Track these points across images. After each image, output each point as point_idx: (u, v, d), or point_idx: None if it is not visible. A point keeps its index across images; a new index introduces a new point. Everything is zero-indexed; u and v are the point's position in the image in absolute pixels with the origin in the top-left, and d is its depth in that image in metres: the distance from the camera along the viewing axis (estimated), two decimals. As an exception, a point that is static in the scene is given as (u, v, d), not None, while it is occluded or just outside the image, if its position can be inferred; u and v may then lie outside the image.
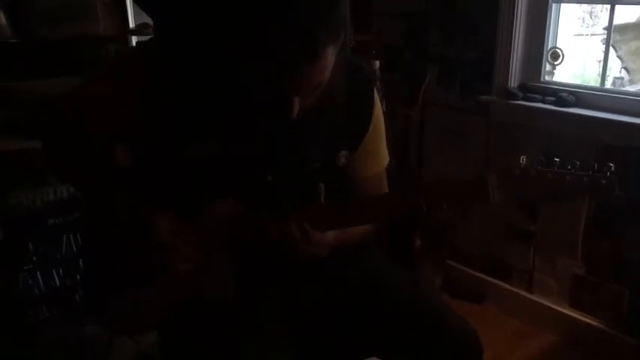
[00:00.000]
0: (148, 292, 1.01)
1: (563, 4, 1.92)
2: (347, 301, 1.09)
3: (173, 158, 0.97)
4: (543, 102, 1.90)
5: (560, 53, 1.93)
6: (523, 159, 0.87)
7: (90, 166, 1.03)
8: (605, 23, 1.85)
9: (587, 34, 2.13)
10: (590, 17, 2.41)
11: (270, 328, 1.01)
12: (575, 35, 2.01)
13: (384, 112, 2.06)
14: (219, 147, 0.96)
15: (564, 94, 1.87)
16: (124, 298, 1.01)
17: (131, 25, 2.42)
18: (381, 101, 2.08)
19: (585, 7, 2.31)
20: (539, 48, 1.95)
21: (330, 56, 0.84)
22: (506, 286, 2.16)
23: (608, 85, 1.90)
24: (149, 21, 2.27)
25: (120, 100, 0.95)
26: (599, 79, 1.88)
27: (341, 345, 1.11)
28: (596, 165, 0.82)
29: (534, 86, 1.96)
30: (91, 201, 1.06)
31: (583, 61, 2.11)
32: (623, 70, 2.45)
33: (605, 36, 1.91)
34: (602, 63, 1.86)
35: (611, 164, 0.82)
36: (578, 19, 2.08)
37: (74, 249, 1.93)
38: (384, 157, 1.14)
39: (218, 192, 0.98)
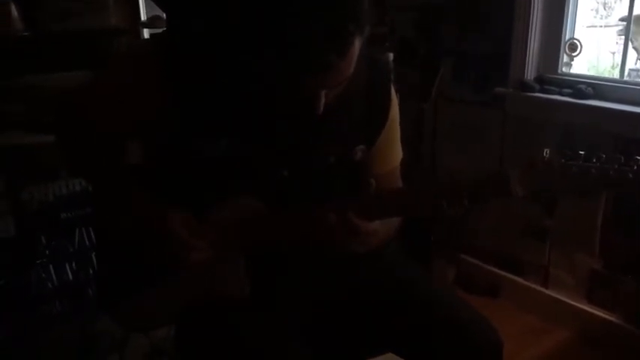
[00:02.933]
0: (162, 289, 1.01)
1: (580, -5, 1.89)
2: (364, 296, 1.08)
3: (188, 154, 0.96)
4: (560, 94, 1.87)
5: (578, 44, 1.89)
6: (547, 152, 0.85)
7: (103, 162, 1.02)
8: (620, 14, 1.82)
9: (601, 26, 2.09)
10: (604, 8, 2.36)
11: (287, 324, 1.00)
12: (587, 27, 1.97)
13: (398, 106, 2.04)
14: (236, 143, 0.95)
15: (582, 86, 1.83)
16: (138, 294, 1.01)
17: (143, 17, 2.41)
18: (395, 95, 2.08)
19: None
20: (556, 39, 1.91)
21: (357, 48, 0.83)
22: (521, 281, 2.14)
23: (623, 76, 1.86)
24: (161, 13, 2.26)
25: (133, 95, 0.94)
26: (613, 71, 1.85)
27: (357, 340, 1.10)
28: (622, 158, 0.80)
29: (551, 78, 1.93)
30: (104, 197, 1.05)
31: (597, 53, 2.07)
32: (639, 61, 2.41)
33: (619, 27, 1.88)
34: (616, 55, 1.83)
35: (639, 157, 0.79)
36: (592, 10, 2.04)
37: (87, 243, 1.93)
38: (399, 153, 1.13)
39: (233, 188, 0.97)
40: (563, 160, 0.83)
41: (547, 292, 2.07)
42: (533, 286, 2.10)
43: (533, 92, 1.91)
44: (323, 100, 0.86)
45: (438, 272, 2.27)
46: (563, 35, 1.90)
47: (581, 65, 1.95)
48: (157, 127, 0.96)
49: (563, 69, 1.94)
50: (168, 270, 0.99)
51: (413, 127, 2.28)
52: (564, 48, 1.91)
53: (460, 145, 2.20)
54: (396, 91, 2.05)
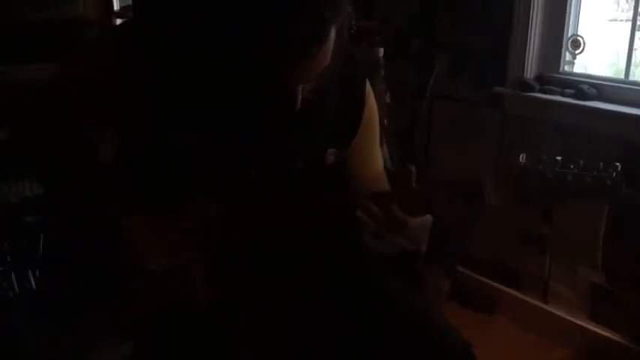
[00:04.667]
0: (119, 299, 1.02)
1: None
2: (337, 307, 1.10)
3: (148, 151, 0.98)
4: (562, 95, 1.89)
5: (582, 41, 1.92)
6: (523, 157, 0.87)
7: (60, 157, 1.04)
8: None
9: (622, 20, 2.11)
10: (627, 1, 2.38)
11: (256, 340, 1.02)
12: (609, 20, 1.99)
13: (388, 104, 2.06)
14: (203, 139, 0.97)
15: (585, 87, 1.86)
16: (94, 305, 1.02)
17: (116, 7, 2.44)
18: (385, 92, 2.10)
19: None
20: (558, 36, 1.94)
21: (333, 37, 0.85)
22: (519, 295, 2.16)
23: (636, 76, 1.88)
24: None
25: (98, 88, 0.96)
26: (636, 70, 1.86)
27: (332, 356, 1.12)
28: (601, 164, 0.83)
29: (552, 77, 1.96)
30: (57, 195, 1.07)
31: (617, 49, 2.09)
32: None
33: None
34: (628, 52, 1.85)
35: (618, 164, 0.82)
36: (614, 2, 2.06)
37: (52, 248, 1.95)
38: (378, 157, 1.15)
39: (195, 188, 0.99)
40: (539, 167, 0.86)
41: (546, 307, 2.09)
42: (532, 300, 2.12)
43: (533, 92, 1.93)
44: (300, 96, 0.88)
45: (432, 283, 2.29)
46: (565, 31, 1.93)
47: (594, 62, 1.97)
48: (121, 122, 0.99)
49: (566, 67, 1.97)
50: (124, 278, 1.01)
51: (406, 127, 2.30)
52: (567, 45, 1.94)
53: (456, 146, 2.23)
54: (386, 89, 2.09)
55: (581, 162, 0.84)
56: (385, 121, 2.03)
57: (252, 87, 0.88)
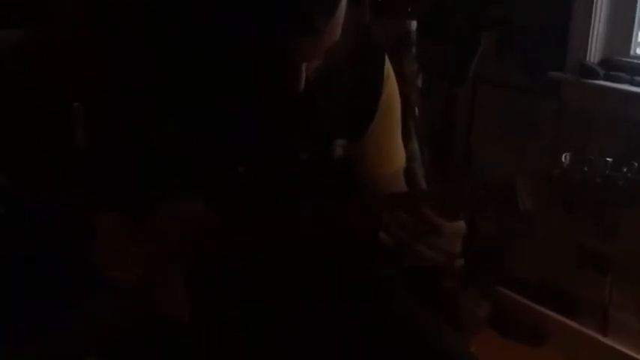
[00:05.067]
0: (88, 310, 1.05)
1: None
2: (337, 330, 1.11)
3: (123, 141, 1.01)
4: (631, 83, 1.88)
5: (658, 19, 1.90)
6: (566, 157, 0.88)
7: (20, 141, 1.07)
8: None
9: None
10: None
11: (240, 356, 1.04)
12: None
13: (421, 89, 2.07)
14: (183, 128, 0.99)
15: (660, 74, 1.85)
16: (58, 316, 1.05)
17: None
18: (417, 75, 2.10)
19: None
20: (628, 13, 1.92)
21: (344, 6, 0.87)
22: (573, 324, 2.15)
23: None
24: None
25: (64, 63, 0.98)
26: None
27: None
28: (656, 168, 0.83)
29: (620, 62, 1.94)
30: (16, 189, 1.10)
31: None
32: None
33: None
34: None
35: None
36: None
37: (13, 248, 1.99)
38: (400, 153, 1.16)
39: (176, 187, 1.01)
40: (585, 169, 0.86)
41: (605, 340, 2.07)
42: (588, 331, 2.11)
43: (597, 79, 1.92)
44: (304, 76, 0.89)
45: (466, 307, 2.29)
46: (638, 8, 1.91)
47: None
48: (93, 105, 1.01)
49: (637, 51, 1.95)
50: (94, 287, 1.03)
51: (442, 118, 2.30)
52: (639, 24, 1.92)
53: (502, 141, 2.22)
54: (418, 71, 2.09)
55: (637, 164, 0.84)
56: (416, 109, 2.03)
57: (248, 65, 0.90)
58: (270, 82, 0.91)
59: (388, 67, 1.10)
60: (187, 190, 1.01)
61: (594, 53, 1.97)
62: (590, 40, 1.95)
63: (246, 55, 0.87)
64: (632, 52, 1.96)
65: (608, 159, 0.87)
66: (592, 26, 1.94)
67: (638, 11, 1.93)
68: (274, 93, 0.93)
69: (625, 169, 0.85)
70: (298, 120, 1.02)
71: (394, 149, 1.15)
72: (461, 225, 0.96)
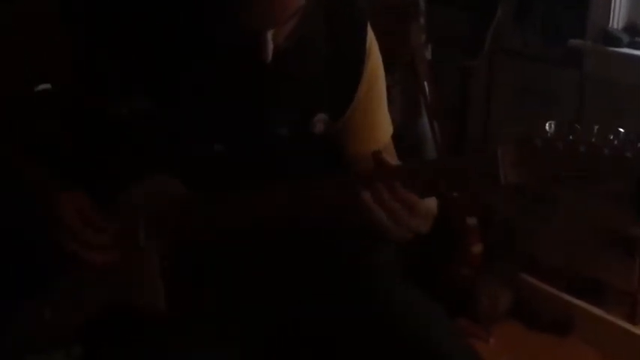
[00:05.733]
0: (57, 297, 1.10)
1: None
2: (329, 320, 1.13)
3: (91, 117, 1.05)
4: (658, 50, 1.88)
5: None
6: (550, 125, 0.90)
7: None
8: None
9: None
10: None
11: (220, 348, 1.06)
12: None
13: (430, 62, 2.09)
14: (152, 104, 1.03)
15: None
16: (27, 305, 1.10)
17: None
18: (426, 46, 2.13)
19: None
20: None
21: None
22: (601, 313, 2.16)
23: None
24: None
25: (23, 29, 1.04)
26: None
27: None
28: (649, 135, 0.85)
29: (646, 27, 1.94)
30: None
31: None
32: None
33: None
34: None
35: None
36: None
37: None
38: (387, 126, 1.19)
39: (149, 165, 1.05)
40: (570, 137, 0.89)
41: (635, 329, 2.08)
42: (616, 320, 2.12)
43: (621, 47, 1.93)
44: (271, 45, 0.93)
45: (487, 296, 2.31)
46: (666, -34, 1.91)
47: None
48: (54, 76, 1.06)
49: (665, 14, 1.96)
50: (60, 273, 1.08)
51: (457, 91, 2.32)
52: (667, -16, 1.93)
53: (522, 116, 2.23)
54: (427, 41, 2.11)
55: (622, 132, 0.87)
56: (425, 83, 2.06)
57: (210, 32, 0.94)
58: (236, 51, 0.94)
59: (371, 36, 1.12)
60: (160, 168, 1.05)
61: (618, 19, 1.97)
62: (612, 4, 1.95)
63: (206, 21, 0.91)
64: (659, 16, 1.96)
65: (595, 126, 0.89)
66: (615, -11, 1.94)
67: (665, -30, 1.93)
68: (243, 63, 0.97)
69: (611, 137, 0.88)
70: (274, 93, 1.05)
71: (380, 123, 1.18)
72: (433, 203, 0.99)
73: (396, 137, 1.24)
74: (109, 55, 1.00)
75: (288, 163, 1.10)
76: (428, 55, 2.10)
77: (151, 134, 1.04)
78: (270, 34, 0.91)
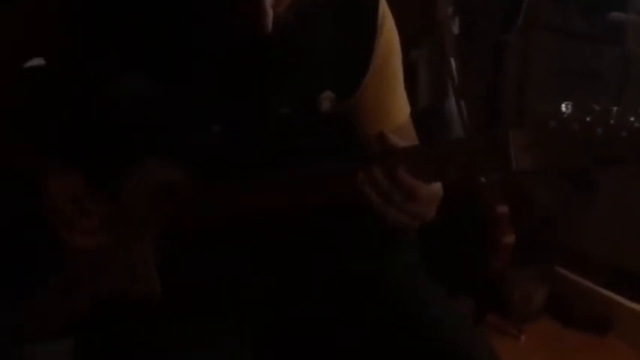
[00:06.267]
0: (48, 286, 1.13)
1: None
2: (340, 315, 1.15)
3: (84, 96, 1.08)
4: None
5: None
6: (567, 106, 0.91)
7: None
8: None
9: None
10: None
11: (220, 342, 1.08)
12: None
13: (457, 37, 2.07)
14: (151, 86, 1.05)
15: None
16: (17, 294, 1.13)
17: None
18: (453, 19, 2.12)
19: None
20: None
21: None
22: (643, 310, 2.15)
23: None
24: None
25: (25, 10, 1.07)
26: None
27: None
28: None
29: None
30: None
31: None
32: None
33: None
34: None
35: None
36: None
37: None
38: (401, 106, 1.19)
39: (144, 149, 1.08)
40: (586, 119, 0.89)
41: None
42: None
43: (668, 20, 1.91)
44: (271, 14, 0.92)
45: (518, 291, 2.31)
46: None
47: None
48: (47, 51, 1.09)
49: None
50: (53, 261, 1.10)
51: (486, 70, 2.31)
52: None
53: (561, 96, 2.20)
54: (455, 14, 2.10)
55: (644, 112, 0.87)
56: (452, 60, 2.05)
57: (204, 4, 0.95)
58: (234, 22, 0.95)
59: (384, 6, 1.12)
60: (157, 151, 1.07)
61: (664, -11, 1.95)
62: (659, -28, 1.94)
63: None
64: None
65: (614, 107, 0.89)
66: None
67: None
68: (241, 36, 0.97)
69: (632, 119, 0.87)
70: (275, 69, 1.06)
71: (395, 102, 1.18)
72: (437, 188, 1.00)
73: (419, 118, 1.24)
74: (107, 36, 1.03)
75: (293, 144, 1.11)
76: (455, 29, 2.08)
77: (149, 116, 1.06)
78: (269, 2, 0.92)
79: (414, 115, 1.22)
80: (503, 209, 2.16)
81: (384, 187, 0.94)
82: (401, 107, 1.20)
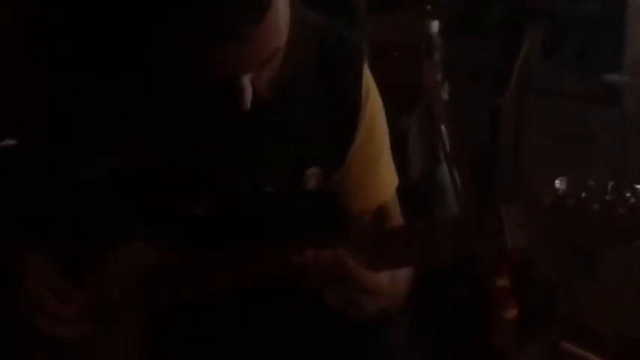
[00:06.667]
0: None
1: None
2: None
3: (58, 176, 1.08)
4: None
5: None
6: (562, 182, 0.92)
7: None
8: None
9: None
10: None
11: None
12: None
13: (448, 102, 2.10)
14: (124, 163, 1.05)
15: None
16: None
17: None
18: (442, 85, 2.15)
19: None
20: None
21: (282, 5, 0.92)
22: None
23: None
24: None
25: None
26: None
27: None
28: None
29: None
30: None
31: None
32: None
33: None
34: None
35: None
36: None
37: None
38: (390, 179, 1.20)
39: (120, 231, 1.08)
40: (582, 195, 0.90)
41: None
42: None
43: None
44: (249, 91, 0.94)
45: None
46: None
47: None
48: (18, 130, 1.09)
49: None
50: (34, 347, 1.09)
51: (483, 136, 2.33)
52: None
53: (558, 160, 2.24)
54: (444, 80, 2.13)
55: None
56: (443, 127, 2.08)
57: (180, 82, 0.96)
58: (212, 100, 0.96)
59: (368, 79, 1.14)
60: (134, 233, 1.08)
61: (660, 47, 1.99)
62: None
63: (177, 68, 0.94)
64: None
65: (610, 182, 0.90)
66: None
67: None
68: (220, 114, 0.99)
69: (629, 194, 0.89)
70: (256, 147, 1.07)
71: (381, 175, 1.18)
72: (381, 279, 0.97)
73: (410, 189, 1.24)
74: (76, 109, 1.04)
75: (278, 223, 1.11)
76: (445, 95, 2.11)
77: (122, 195, 1.07)
78: (247, 80, 0.93)
79: (404, 187, 1.23)
80: (503, 282, 2.16)
81: (323, 268, 0.94)
82: (387, 180, 1.21)
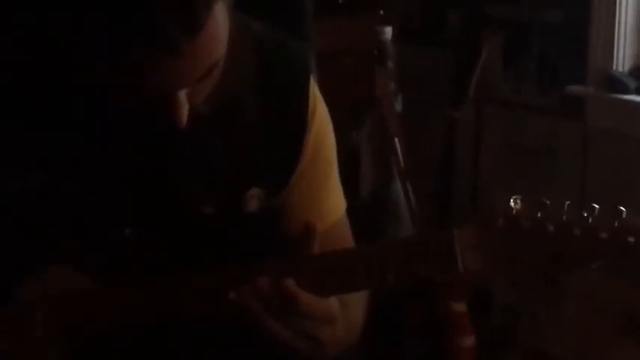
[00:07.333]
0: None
1: None
2: None
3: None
4: (672, 97, 1.95)
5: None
6: (517, 201, 0.95)
7: None
8: None
9: None
10: None
11: None
12: None
13: (400, 115, 2.12)
14: (48, 182, 1.05)
15: None
16: None
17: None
18: (395, 96, 2.18)
19: None
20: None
21: (221, 15, 0.93)
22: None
23: None
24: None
25: None
26: None
27: None
28: (624, 212, 0.90)
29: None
30: None
31: None
32: None
33: None
34: None
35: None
36: None
37: None
38: (336, 202, 1.22)
39: (47, 254, 1.08)
40: (537, 215, 0.93)
41: None
42: None
43: (627, 93, 1.99)
44: (185, 107, 0.95)
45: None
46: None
47: None
48: None
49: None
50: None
51: (440, 149, 2.37)
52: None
53: (517, 176, 2.28)
54: (397, 89, 2.15)
55: (597, 208, 0.91)
56: (396, 140, 2.10)
57: (112, 97, 0.98)
58: (145, 115, 0.97)
59: (315, 94, 1.15)
60: (62, 256, 1.08)
61: (622, 61, 2.04)
62: (615, 43, 2.02)
63: (108, 82, 0.95)
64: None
65: (566, 202, 0.93)
66: (616, 27, 2.01)
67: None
68: (154, 132, 1.00)
69: (585, 214, 0.92)
70: (193, 166, 1.08)
71: (329, 196, 1.19)
72: (330, 304, 0.99)
73: (362, 207, 1.26)
74: None
75: (216, 247, 1.12)
76: (398, 106, 2.13)
77: (47, 216, 1.07)
78: (183, 95, 0.94)
79: (356, 205, 1.25)
80: (460, 307, 2.19)
81: (263, 296, 0.96)
82: (335, 201, 1.22)
